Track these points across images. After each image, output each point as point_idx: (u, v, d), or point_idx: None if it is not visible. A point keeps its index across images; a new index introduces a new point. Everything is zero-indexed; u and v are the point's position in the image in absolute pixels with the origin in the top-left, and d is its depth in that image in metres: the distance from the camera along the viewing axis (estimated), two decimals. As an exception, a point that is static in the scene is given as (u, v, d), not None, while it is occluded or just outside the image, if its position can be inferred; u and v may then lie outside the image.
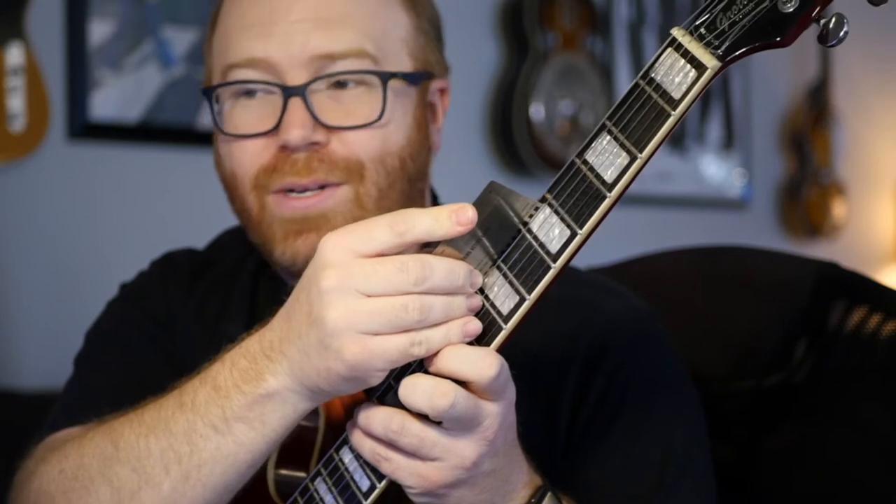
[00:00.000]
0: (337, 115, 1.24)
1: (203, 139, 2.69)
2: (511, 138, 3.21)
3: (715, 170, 3.78)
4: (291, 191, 1.25)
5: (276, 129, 1.24)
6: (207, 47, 1.34)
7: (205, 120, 2.69)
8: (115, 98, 2.57)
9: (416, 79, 1.29)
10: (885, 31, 3.89)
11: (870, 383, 1.38)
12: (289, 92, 1.23)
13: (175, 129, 2.67)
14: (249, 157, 1.26)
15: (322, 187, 1.25)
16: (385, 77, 1.26)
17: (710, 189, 3.77)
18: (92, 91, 2.54)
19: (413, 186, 1.29)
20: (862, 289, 1.40)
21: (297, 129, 1.23)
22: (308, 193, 1.25)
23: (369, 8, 1.27)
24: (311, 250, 0.98)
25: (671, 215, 3.56)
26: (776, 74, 3.94)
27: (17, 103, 2.39)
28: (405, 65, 1.28)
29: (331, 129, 1.24)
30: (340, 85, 1.25)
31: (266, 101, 1.26)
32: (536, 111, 3.20)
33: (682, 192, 3.64)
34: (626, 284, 1.38)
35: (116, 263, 2.01)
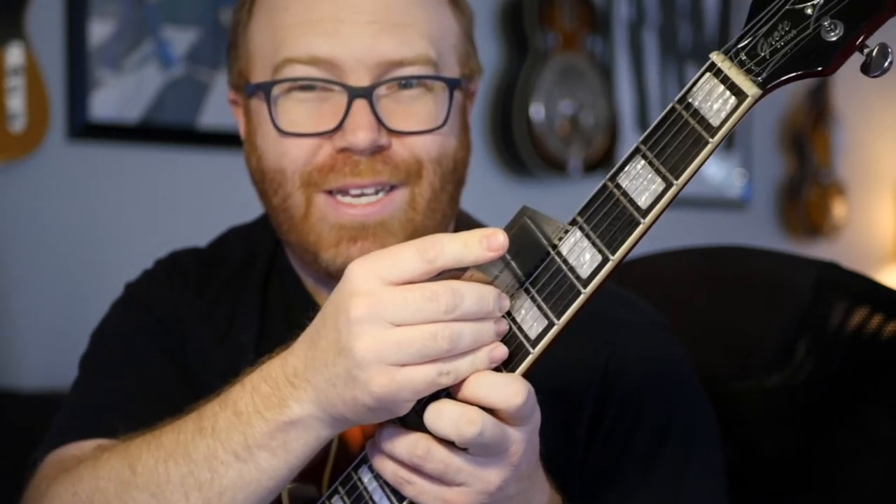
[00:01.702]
0: (399, 119, 1.22)
1: (203, 139, 2.69)
2: (511, 138, 3.21)
3: (715, 170, 3.78)
4: (345, 192, 1.22)
5: (338, 129, 1.21)
6: (241, 36, 1.29)
7: (205, 120, 2.69)
8: (115, 98, 2.57)
9: (465, 84, 1.29)
10: (884, 31, 3.89)
11: (871, 384, 1.38)
12: (355, 93, 1.20)
13: (175, 129, 2.67)
14: (305, 154, 1.23)
15: (377, 191, 1.22)
16: (452, 84, 1.25)
17: (710, 189, 3.77)
18: (92, 91, 2.54)
19: (457, 189, 1.28)
20: (863, 289, 1.40)
21: (364, 133, 1.20)
22: (364, 200, 1.22)
23: (430, 13, 1.25)
24: None
25: (671, 215, 3.53)
26: (776, 74, 3.94)
27: (17, 103, 2.39)
28: (454, 70, 1.27)
29: (395, 133, 1.22)
30: (402, 86, 1.23)
31: (324, 99, 1.22)
32: (536, 111, 3.20)
33: (683, 192, 3.63)
34: (627, 284, 1.37)
35: (116, 263, 2.01)
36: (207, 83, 2.69)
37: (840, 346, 1.39)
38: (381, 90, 1.21)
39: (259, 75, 1.26)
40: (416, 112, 1.23)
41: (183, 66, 2.67)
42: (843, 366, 1.39)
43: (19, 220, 2.45)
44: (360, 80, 1.21)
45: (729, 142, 3.81)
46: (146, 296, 1.38)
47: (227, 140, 2.63)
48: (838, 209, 4.05)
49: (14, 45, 2.40)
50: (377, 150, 1.21)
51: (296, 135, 1.23)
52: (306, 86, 1.23)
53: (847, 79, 4.09)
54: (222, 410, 1.01)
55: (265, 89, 1.24)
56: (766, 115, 3.97)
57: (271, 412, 0.98)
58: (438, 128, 1.24)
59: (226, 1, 2.69)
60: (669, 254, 1.64)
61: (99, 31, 2.56)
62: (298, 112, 1.23)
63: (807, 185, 4.01)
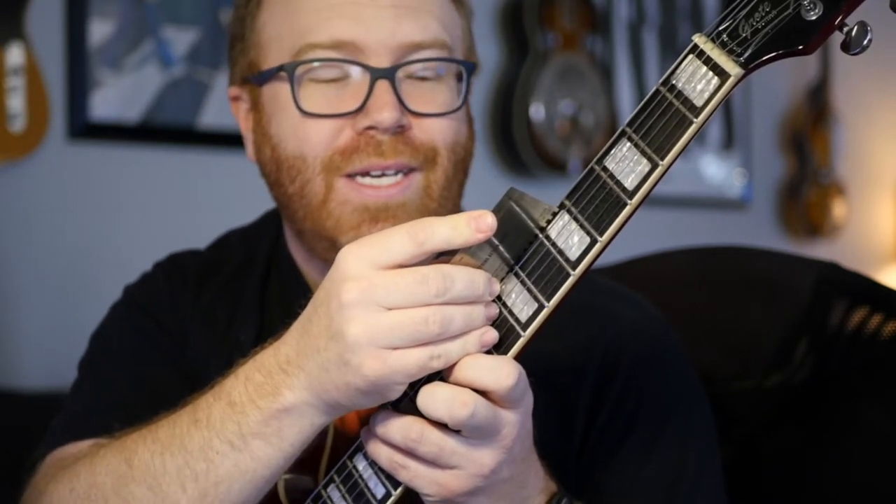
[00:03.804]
0: (418, 102, 1.24)
1: (203, 139, 2.69)
2: (511, 138, 3.21)
3: (715, 170, 3.78)
4: (366, 174, 1.23)
5: (361, 110, 1.22)
6: (250, 28, 1.30)
7: (205, 120, 2.69)
8: (115, 98, 2.57)
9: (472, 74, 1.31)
10: (885, 31, 3.89)
11: (870, 384, 1.38)
12: (377, 74, 1.22)
13: (175, 129, 2.67)
14: (326, 138, 1.23)
15: (396, 173, 1.23)
16: (469, 67, 1.27)
17: (710, 189, 3.77)
18: (92, 91, 2.54)
19: (464, 180, 1.30)
20: (862, 289, 1.40)
21: (389, 111, 1.21)
22: (385, 181, 1.23)
23: (439, 2, 1.27)
24: None
25: (671, 215, 3.56)
26: (776, 74, 3.94)
27: (17, 103, 2.40)
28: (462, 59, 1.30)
29: (415, 114, 1.23)
30: (418, 78, 1.24)
31: (343, 85, 1.24)
32: (536, 111, 3.20)
33: (682, 192, 3.64)
34: (626, 284, 1.38)
35: (116, 263, 2.01)
36: (207, 83, 2.69)
37: (840, 346, 1.39)
38: (400, 74, 1.23)
39: (274, 62, 1.26)
40: (434, 98, 1.25)
41: (183, 66, 2.67)
42: (842, 365, 1.39)
43: (19, 220, 2.45)
44: (381, 62, 1.22)
45: (729, 142, 3.81)
46: (145, 298, 1.39)
47: (227, 140, 2.63)
48: (838, 209, 4.05)
49: (14, 45, 2.40)
50: (399, 131, 1.22)
51: (319, 116, 1.23)
52: (327, 78, 1.23)
53: (847, 79, 4.10)
54: (216, 401, 1.02)
55: (289, 70, 1.24)
56: (766, 115, 3.97)
57: (265, 400, 0.99)
58: (456, 110, 1.26)
59: (226, 1, 2.69)
60: (669, 254, 1.64)
61: (99, 31, 2.56)
62: (318, 97, 1.24)
63: (807, 185, 4.01)
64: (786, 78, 4.00)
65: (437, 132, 1.25)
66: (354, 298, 0.92)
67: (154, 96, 2.63)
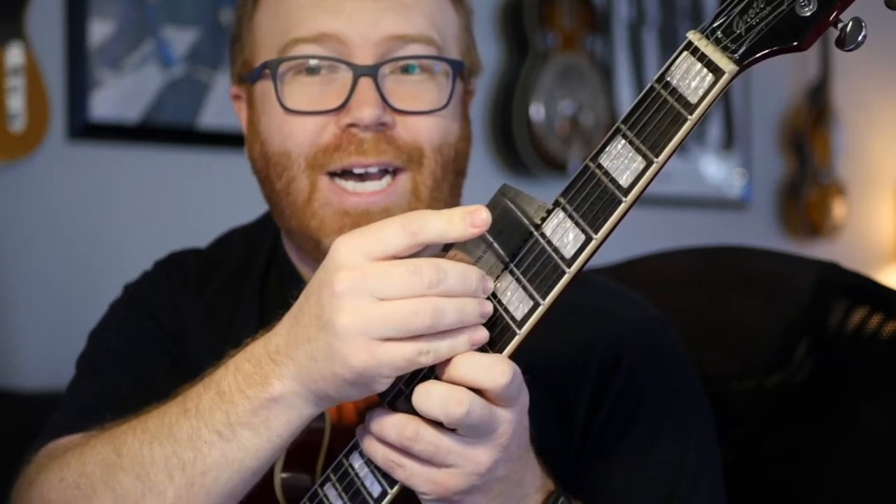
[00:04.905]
0: (403, 100, 1.23)
1: (203, 139, 2.69)
2: (511, 138, 3.21)
3: (715, 170, 3.78)
4: (349, 172, 1.23)
5: (343, 107, 1.22)
6: (246, 28, 1.31)
7: (205, 120, 2.69)
8: (115, 98, 2.57)
9: (467, 72, 1.30)
10: (885, 30, 3.88)
11: (870, 384, 1.38)
12: (359, 71, 1.22)
13: (175, 129, 2.67)
14: (310, 134, 1.24)
15: (384, 172, 1.23)
16: (456, 66, 1.26)
17: (710, 189, 3.77)
18: (92, 91, 2.54)
19: (458, 180, 1.29)
20: (863, 289, 1.40)
21: (369, 108, 1.21)
22: (369, 187, 1.23)
23: (431, 1, 1.27)
24: None
25: (671, 215, 3.55)
26: (776, 74, 3.94)
27: (17, 103, 2.39)
28: (457, 58, 1.29)
29: (398, 112, 1.23)
30: (405, 70, 1.24)
31: (329, 80, 1.24)
32: (536, 111, 3.20)
33: (682, 192, 3.63)
34: (627, 284, 1.38)
35: (116, 263, 2.01)
36: (207, 83, 2.69)
37: (840, 346, 1.39)
38: (385, 70, 1.23)
39: (265, 58, 1.27)
40: (419, 95, 1.25)
41: (183, 66, 2.67)
42: (842, 365, 1.39)
43: (19, 220, 2.45)
44: (365, 59, 1.22)
45: (729, 142, 3.81)
46: (145, 297, 1.39)
47: (227, 140, 2.63)
48: (838, 209, 4.05)
49: (14, 45, 2.40)
50: (381, 129, 1.22)
51: (301, 113, 1.24)
52: (311, 68, 1.24)
53: (847, 78, 4.10)
54: (206, 391, 1.03)
55: (272, 67, 1.24)
56: (766, 115, 3.97)
57: (253, 390, 0.99)
58: (440, 109, 1.25)
59: (226, 1, 2.69)
60: (669, 254, 1.64)
61: (99, 31, 2.56)
62: (303, 94, 1.24)
63: (807, 185, 4.01)
64: (786, 78, 4.00)
65: (422, 131, 1.24)
66: (346, 288, 0.92)
67: (154, 96, 2.63)
